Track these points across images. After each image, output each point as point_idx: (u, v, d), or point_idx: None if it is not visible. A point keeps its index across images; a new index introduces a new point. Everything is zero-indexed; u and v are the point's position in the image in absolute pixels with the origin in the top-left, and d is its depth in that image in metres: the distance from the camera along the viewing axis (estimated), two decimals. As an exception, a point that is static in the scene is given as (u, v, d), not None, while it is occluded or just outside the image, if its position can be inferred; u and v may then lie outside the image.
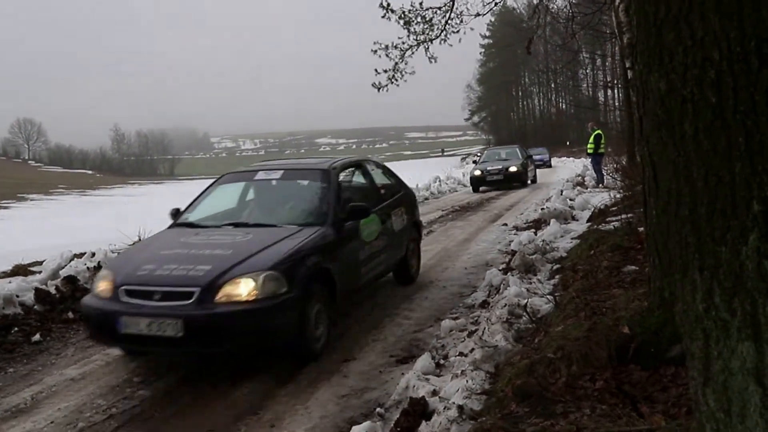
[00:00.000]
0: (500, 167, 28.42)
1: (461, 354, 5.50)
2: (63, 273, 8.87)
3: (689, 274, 2.25)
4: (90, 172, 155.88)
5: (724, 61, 2.08)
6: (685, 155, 2.22)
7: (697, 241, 2.19)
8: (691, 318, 2.25)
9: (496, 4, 20.10)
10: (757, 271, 2.01)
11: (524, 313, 5.98)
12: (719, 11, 2.08)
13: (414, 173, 23.15)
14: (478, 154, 56.01)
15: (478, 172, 28.56)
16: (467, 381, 4.61)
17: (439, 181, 30.73)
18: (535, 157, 51.07)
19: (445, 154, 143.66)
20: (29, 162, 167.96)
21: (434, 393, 4.72)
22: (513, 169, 28.32)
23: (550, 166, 54.97)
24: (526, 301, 6.23)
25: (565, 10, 21.65)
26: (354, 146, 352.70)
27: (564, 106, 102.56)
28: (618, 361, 3.92)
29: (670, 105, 2.26)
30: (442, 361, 5.64)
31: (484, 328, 5.84)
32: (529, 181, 30.29)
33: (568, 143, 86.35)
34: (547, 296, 6.42)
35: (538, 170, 43.49)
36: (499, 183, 27.98)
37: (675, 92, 2.23)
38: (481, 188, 28.22)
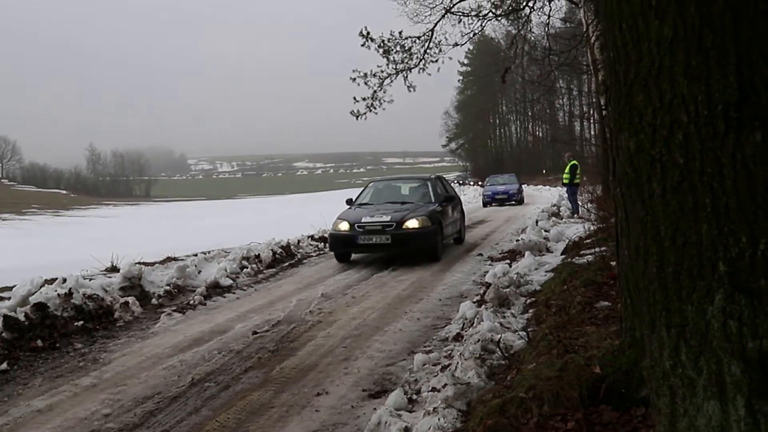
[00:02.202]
0: (387, 220, 14.46)
1: (434, 389, 5.48)
2: (33, 300, 8.75)
3: (656, 331, 2.28)
4: (64, 191, 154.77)
5: (692, 124, 2.12)
6: (653, 214, 2.25)
7: (665, 299, 2.22)
8: (658, 374, 2.28)
9: (474, 34, 20.35)
10: (723, 331, 2.05)
11: (497, 349, 5.98)
12: (688, 75, 2.12)
13: None
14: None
15: (344, 227, 14.69)
16: (439, 419, 4.61)
17: (416, 208, 30.61)
18: (498, 189, 40.16)
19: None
20: (2, 180, 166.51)
21: (406, 430, 4.71)
22: (413, 223, 14.38)
23: (521, 201, 39.38)
24: (499, 336, 6.23)
25: (542, 41, 21.92)
26: (331, 170, 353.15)
27: (541, 135, 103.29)
28: (589, 401, 3.92)
29: (639, 164, 2.30)
30: (414, 396, 5.62)
31: (457, 364, 5.83)
32: (452, 240, 17.46)
33: (544, 171, 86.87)
34: (520, 332, 6.43)
35: (501, 207, 36.53)
36: (383, 250, 14.69)
37: (644, 152, 2.27)
38: (353, 256, 15.63)
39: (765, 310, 2.02)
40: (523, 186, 44.68)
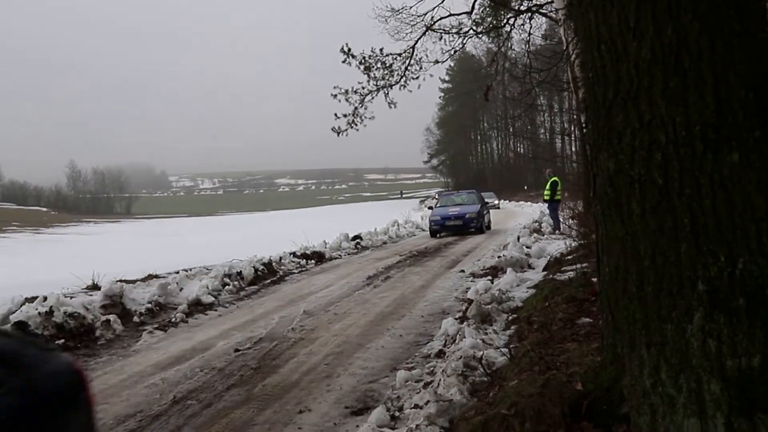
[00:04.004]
0: None
1: (416, 406, 5.47)
2: (13, 318, 8.72)
3: (637, 350, 2.29)
4: (44, 209, 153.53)
5: (671, 145, 2.15)
6: (632, 233, 2.27)
7: (644, 318, 2.24)
8: (639, 393, 2.29)
9: (455, 51, 20.46)
10: (702, 350, 2.07)
11: (479, 366, 5.99)
12: (666, 96, 2.15)
13: (372, 215, 22.54)
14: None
15: None
16: (422, 436, 4.60)
17: (398, 225, 30.62)
18: (449, 212, 28.53)
19: (404, 196, 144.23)
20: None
21: (389, 448, 4.71)
22: None
23: (482, 228, 28.25)
24: (481, 353, 6.23)
25: (523, 58, 22.06)
26: (313, 187, 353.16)
27: (522, 151, 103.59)
28: (571, 417, 3.92)
29: (618, 184, 2.33)
30: (397, 414, 5.61)
31: (440, 381, 5.83)
32: None
33: (525, 187, 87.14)
34: (502, 349, 6.44)
35: (459, 239, 25.76)
36: None
37: (623, 172, 2.30)
38: None
39: (744, 328, 2.04)
40: (495, 203, 36.03)
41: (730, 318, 2.05)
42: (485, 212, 30.10)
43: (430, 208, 32.49)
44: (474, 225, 27.91)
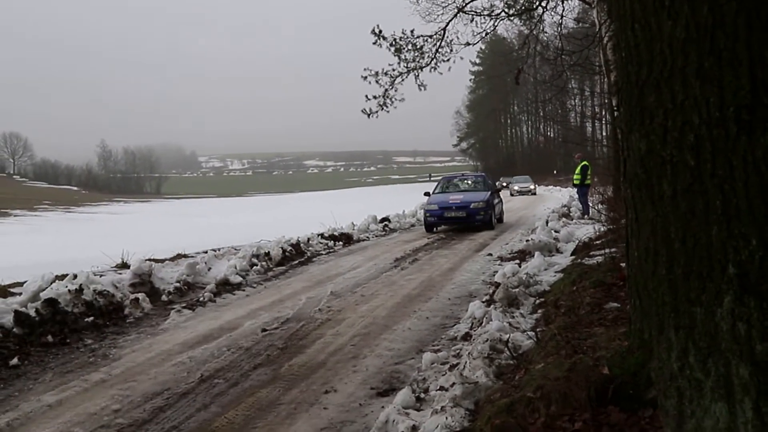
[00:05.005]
0: None
1: (442, 388, 5.47)
2: (44, 295, 8.80)
3: (665, 333, 2.27)
4: (75, 188, 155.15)
5: (704, 126, 2.11)
6: (663, 215, 2.25)
7: (674, 301, 2.22)
8: (666, 376, 2.27)
9: (486, 34, 20.31)
10: (732, 333, 2.04)
11: (506, 349, 5.97)
12: (700, 76, 2.12)
13: (400, 197, 22.60)
14: None
15: None
16: (447, 418, 4.60)
17: (426, 207, 30.48)
18: (450, 201, 21.96)
19: (433, 179, 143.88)
20: (14, 177, 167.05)
21: (414, 429, 4.70)
22: None
23: (491, 222, 22.23)
24: (507, 336, 6.21)
25: (555, 41, 21.87)
26: (342, 169, 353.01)
27: (552, 135, 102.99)
28: (597, 401, 3.90)
29: (649, 165, 2.30)
30: (422, 395, 5.61)
31: (466, 363, 5.82)
32: None
33: (555, 172, 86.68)
34: (529, 332, 6.41)
35: (463, 236, 19.61)
36: None
37: (654, 153, 2.27)
38: None
39: (774, 312, 2.01)
40: (531, 188, 37.04)
41: (761, 302, 2.02)
42: (496, 201, 24.24)
43: (427, 194, 24.44)
44: (480, 218, 21.85)
